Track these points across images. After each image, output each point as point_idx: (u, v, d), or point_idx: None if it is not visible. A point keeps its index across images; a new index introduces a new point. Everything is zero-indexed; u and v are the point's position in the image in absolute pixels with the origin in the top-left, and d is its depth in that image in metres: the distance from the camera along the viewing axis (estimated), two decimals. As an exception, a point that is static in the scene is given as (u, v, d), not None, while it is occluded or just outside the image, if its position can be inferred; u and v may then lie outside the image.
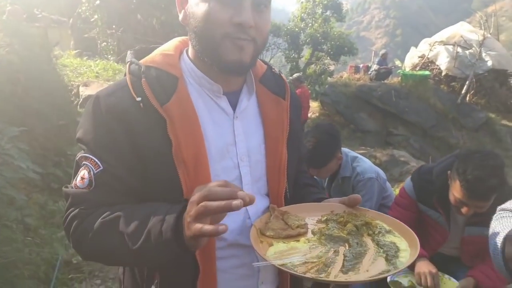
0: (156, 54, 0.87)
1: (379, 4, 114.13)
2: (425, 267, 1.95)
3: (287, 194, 0.98)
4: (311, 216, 0.94)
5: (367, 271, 0.76)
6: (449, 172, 1.89)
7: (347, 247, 0.83)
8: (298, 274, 0.74)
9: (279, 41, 22.27)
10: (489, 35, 10.01)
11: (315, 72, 21.25)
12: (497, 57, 9.58)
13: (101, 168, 0.80)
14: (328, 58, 22.10)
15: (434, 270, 1.94)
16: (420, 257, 1.99)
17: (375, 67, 11.38)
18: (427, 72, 9.89)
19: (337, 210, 0.96)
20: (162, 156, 0.80)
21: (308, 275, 0.74)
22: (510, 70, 10.09)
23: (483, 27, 10.59)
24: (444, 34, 10.27)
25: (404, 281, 2.03)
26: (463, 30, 9.99)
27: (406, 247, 0.83)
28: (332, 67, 22.15)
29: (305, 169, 1.25)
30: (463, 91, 9.25)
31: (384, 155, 8.02)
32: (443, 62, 9.74)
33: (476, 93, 9.57)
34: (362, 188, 2.34)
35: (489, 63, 9.40)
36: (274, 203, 0.94)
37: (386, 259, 0.79)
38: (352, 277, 0.75)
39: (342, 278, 0.74)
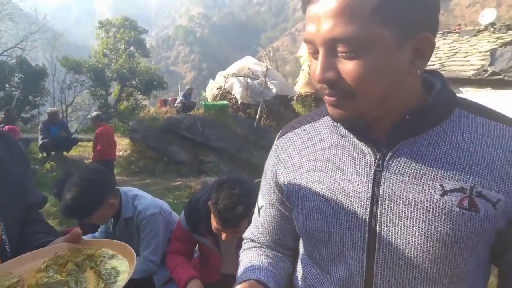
0: None
1: (183, 41, 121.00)
2: (192, 285, 2.01)
3: (5, 249, 0.88)
4: (33, 267, 0.85)
5: None
6: (209, 202, 2.02)
7: None
8: None
9: (82, 78, 20.79)
10: (270, 67, 11.74)
11: (128, 108, 20.65)
12: (279, 85, 11.29)
13: None
14: (139, 93, 21.84)
15: (199, 285, 2.01)
16: (192, 278, 2.05)
17: (180, 99, 11.82)
18: (225, 102, 10.83)
19: (61, 251, 0.91)
20: None
21: None
22: (290, 95, 12.04)
23: (266, 60, 12.37)
24: (234, 67, 11.52)
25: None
26: (249, 63, 11.43)
27: (126, 267, 0.86)
28: (144, 102, 21.94)
29: (40, 217, 1.13)
30: (257, 116, 10.50)
31: (198, 183, 8.30)
32: (237, 92, 10.86)
33: (268, 117, 11.00)
34: (146, 226, 2.27)
35: (274, 90, 10.99)
36: None
37: None
38: None
39: None
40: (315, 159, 0.84)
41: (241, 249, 1.10)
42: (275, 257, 0.99)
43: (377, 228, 0.74)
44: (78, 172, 2.14)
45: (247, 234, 1.10)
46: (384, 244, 0.74)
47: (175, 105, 11.91)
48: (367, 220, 0.75)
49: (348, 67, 0.66)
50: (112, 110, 20.62)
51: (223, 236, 1.92)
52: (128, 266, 0.87)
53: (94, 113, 7.83)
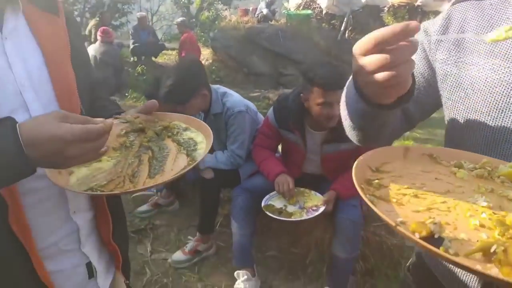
0: None
1: None
2: (282, 178, 2.18)
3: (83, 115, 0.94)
4: (111, 133, 0.89)
5: (172, 170, 0.79)
6: (301, 95, 2.04)
7: (150, 154, 0.84)
8: (105, 193, 0.72)
9: (165, -15, 20.91)
10: (360, -27, 10.59)
11: (208, 18, 20.60)
12: (369, -7, 10.27)
13: None
14: (220, 2, 21.49)
15: (289, 179, 2.17)
16: (279, 173, 2.20)
17: (262, 9, 11.42)
18: (309, 11, 10.22)
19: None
20: None
21: (116, 191, 0.73)
22: (381, 6, 10.94)
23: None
24: (321, -27, 10.60)
25: (277, 202, 2.19)
26: (338, -32, 10.42)
27: (202, 139, 0.89)
28: (225, 13, 21.66)
29: (104, 95, 1.20)
30: (342, 28, 9.84)
31: (276, 95, 8.34)
32: (322, 1, 10.14)
33: (354, 29, 10.24)
34: (233, 122, 2.39)
35: (363, 0, 10.05)
36: None
37: (187, 155, 0.83)
38: (158, 179, 0.76)
39: (150, 183, 0.75)
40: (494, 43, 0.71)
41: None
42: None
43: None
44: (178, 63, 2.28)
45: None
46: None
47: (256, 14, 11.57)
48: None
49: None
50: (194, 19, 20.75)
51: (333, 111, 1.93)
52: (204, 138, 0.89)
53: (179, 19, 7.97)
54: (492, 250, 0.49)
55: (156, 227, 2.97)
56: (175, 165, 0.80)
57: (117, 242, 1.00)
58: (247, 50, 9.99)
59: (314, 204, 2.13)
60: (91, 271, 0.95)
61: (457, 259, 0.48)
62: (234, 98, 2.48)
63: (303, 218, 2.02)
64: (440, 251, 0.48)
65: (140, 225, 2.96)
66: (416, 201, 0.59)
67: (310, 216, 2.03)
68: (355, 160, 0.68)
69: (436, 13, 12.37)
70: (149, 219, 3.05)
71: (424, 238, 0.51)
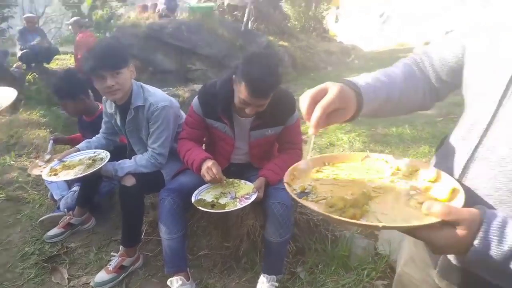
0: None
1: None
2: (207, 165, 2.06)
3: None
4: None
5: None
6: (233, 76, 1.95)
7: None
8: None
9: (49, -15, 18.97)
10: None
11: (103, 17, 19.22)
12: (267, -17, 10.47)
13: None
14: (115, 0, 20.22)
15: (214, 163, 2.07)
16: (204, 159, 2.09)
17: (162, 4, 10.94)
18: (211, 4, 10.11)
19: None
20: None
21: None
22: (279, -5, 11.27)
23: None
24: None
25: (207, 196, 2.06)
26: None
27: None
28: (121, 10, 20.43)
29: None
30: (245, 19, 9.89)
31: (186, 92, 8.12)
32: (223, -8, 10.09)
33: (256, 19, 10.39)
34: (157, 118, 2.25)
35: (262, -11, 10.22)
36: None
37: None
38: None
39: None
40: None
41: None
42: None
43: None
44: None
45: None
46: None
47: (157, 10, 11.06)
48: None
49: None
50: (87, 19, 19.25)
51: (248, 109, 1.91)
52: None
53: (72, 19, 7.24)
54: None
55: (72, 250, 2.62)
56: None
57: None
58: (150, 48, 9.51)
59: (246, 192, 2.04)
60: None
61: (301, 201, 0.73)
62: (157, 93, 2.35)
63: (237, 207, 1.94)
64: (294, 195, 0.75)
65: (52, 252, 2.59)
66: (324, 175, 0.87)
67: (244, 204, 1.95)
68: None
69: (329, 0, 13.13)
70: (62, 243, 2.68)
71: (301, 192, 0.79)
